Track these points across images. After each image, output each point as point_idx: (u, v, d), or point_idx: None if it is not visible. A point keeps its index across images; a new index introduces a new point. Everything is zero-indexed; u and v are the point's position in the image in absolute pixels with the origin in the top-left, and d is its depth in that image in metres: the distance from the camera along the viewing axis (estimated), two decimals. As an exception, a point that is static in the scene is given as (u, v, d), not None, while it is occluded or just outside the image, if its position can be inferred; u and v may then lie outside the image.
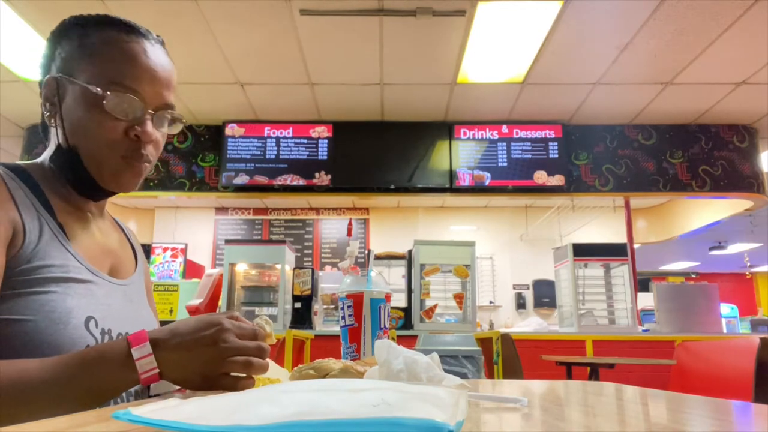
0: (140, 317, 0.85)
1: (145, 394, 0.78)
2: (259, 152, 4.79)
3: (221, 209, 6.39)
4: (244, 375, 0.66)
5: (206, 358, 0.64)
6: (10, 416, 0.59)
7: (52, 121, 0.79)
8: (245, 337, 0.66)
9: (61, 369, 0.61)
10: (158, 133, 0.81)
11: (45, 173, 0.80)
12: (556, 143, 4.79)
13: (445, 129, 4.86)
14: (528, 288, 6.37)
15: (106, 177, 0.78)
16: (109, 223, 0.91)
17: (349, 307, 0.90)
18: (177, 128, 0.84)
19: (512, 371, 2.90)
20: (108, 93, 0.75)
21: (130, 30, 0.81)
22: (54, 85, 0.78)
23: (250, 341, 0.66)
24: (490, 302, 6.28)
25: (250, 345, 0.65)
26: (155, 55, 0.81)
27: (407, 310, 3.95)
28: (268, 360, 0.68)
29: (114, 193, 0.82)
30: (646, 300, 5.34)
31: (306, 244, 6.34)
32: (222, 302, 3.88)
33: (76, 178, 0.79)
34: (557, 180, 4.70)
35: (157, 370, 0.63)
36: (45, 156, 0.83)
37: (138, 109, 0.77)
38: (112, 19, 0.81)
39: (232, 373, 0.65)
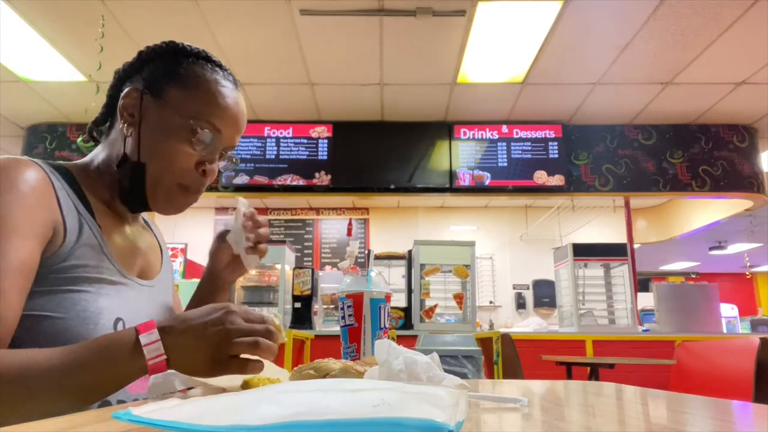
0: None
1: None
2: (259, 152, 4.79)
3: (221, 209, 6.40)
4: (253, 357, 0.65)
5: (214, 340, 0.63)
6: (15, 406, 0.58)
7: (129, 131, 0.81)
8: (253, 321, 0.66)
9: (69, 356, 0.61)
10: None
11: (88, 174, 0.83)
12: (556, 143, 4.79)
13: (445, 129, 4.85)
14: (528, 288, 6.37)
15: (159, 198, 0.82)
16: (140, 225, 0.94)
17: (349, 307, 0.90)
18: (230, 168, 0.90)
19: (512, 371, 2.90)
20: (198, 128, 0.79)
21: (223, 72, 0.86)
22: (137, 98, 0.81)
23: (258, 323, 0.66)
24: (490, 302, 6.29)
25: (257, 327, 0.65)
26: (241, 102, 0.87)
27: (407, 310, 3.95)
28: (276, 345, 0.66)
29: (151, 211, 0.85)
30: (646, 300, 5.34)
31: (306, 244, 6.35)
32: (222, 302, 3.88)
33: (131, 190, 0.82)
34: (557, 180, 4.70)
35: (165, 357, 0.62)
36: (93, 158, 0.85)
37: (216, 148, 0.83)
38: (209, 56, 0.86)
39: (241, 356, 0.64)
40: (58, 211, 0.72)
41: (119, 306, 0.75)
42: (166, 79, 0.81)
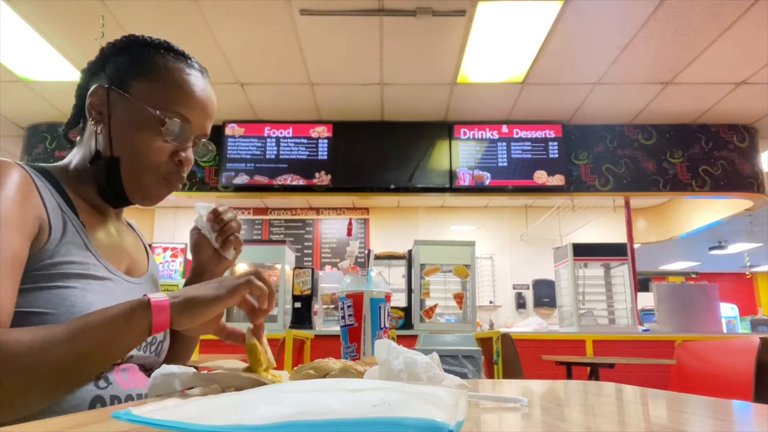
0: None
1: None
2: (259, 152, 4.79)
3: (221, 209, 6.39)
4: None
5: (217, 282, 0.71)
6: (36, 372, 0.60)
7: (98, 128, 0.82)
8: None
9: (81, 319, 0.65)
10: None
11: (68, 176, 0.83)
12: (556, 143, 4.79)
13: (445, 129, 4.85)
14: (528, 288, 6.37)
15: (140, 190, 0.83)
16: (125, 225, 0.95)
17: (349, 307, 0.90)
18: (208, 156, 0.91)
19: (512, 371, 2.90)
20: (166, 118, 0.80)
21: (187, 61, 0.86)
22: (104, 95, 0.81)
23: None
24: (490, 302, 6.28)
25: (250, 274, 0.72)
26: (207, 88, 0.87)
27: (407, 310, 3.95)
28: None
29: (132, 204, 0.86)
30: (646, 300, 5.34)
31: (306, 244, 6.34)
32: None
33: (108, 185, 0.82)
34: (557, 180, 4.70)
35: (168, 301, 0.67)
36: (71, 159, 0.86)
37: (187, 137, 0.84)
38: (170, 46, 0.86)
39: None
40: (42, 208, 0.73)
41: (108, 301, 0.75)
42: (130, 72, 0.82)
